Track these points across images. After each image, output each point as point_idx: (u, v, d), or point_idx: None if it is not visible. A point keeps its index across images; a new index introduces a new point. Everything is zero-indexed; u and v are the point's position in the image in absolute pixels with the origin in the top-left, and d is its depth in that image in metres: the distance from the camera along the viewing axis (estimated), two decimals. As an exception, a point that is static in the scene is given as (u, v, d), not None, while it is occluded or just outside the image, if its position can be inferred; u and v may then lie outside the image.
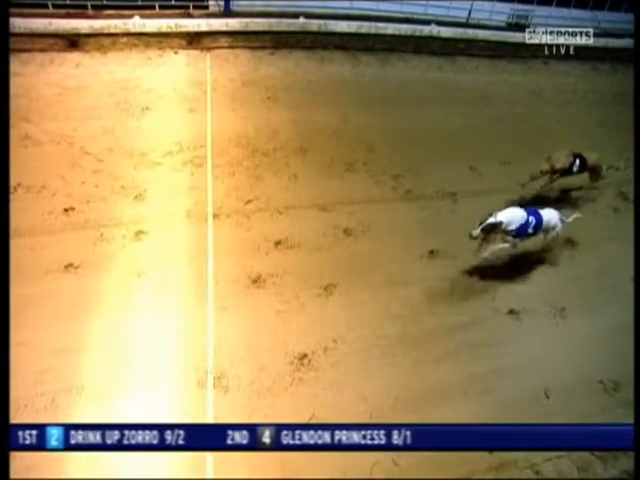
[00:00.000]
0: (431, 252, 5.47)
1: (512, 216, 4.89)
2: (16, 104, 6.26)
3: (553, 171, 6.01)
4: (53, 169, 5.69)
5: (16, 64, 7.05)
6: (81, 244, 4.90)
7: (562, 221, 5.29)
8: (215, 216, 5.45)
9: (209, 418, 3.75)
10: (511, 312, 4.98)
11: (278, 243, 5.26)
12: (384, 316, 4.71)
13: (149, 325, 4.31)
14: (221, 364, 4.10)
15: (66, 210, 5.25)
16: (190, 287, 4.68)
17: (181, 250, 5.02)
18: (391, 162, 6.69)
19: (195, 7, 8.98)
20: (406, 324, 4.67)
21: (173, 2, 8.82)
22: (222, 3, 9.08)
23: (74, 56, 7.75)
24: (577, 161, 6.09)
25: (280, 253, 5.17)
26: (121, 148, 6.17)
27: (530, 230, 5.04)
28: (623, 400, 4.31)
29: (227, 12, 9.08)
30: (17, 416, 3.52)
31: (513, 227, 4.89)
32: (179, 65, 8.01)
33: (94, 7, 8.41)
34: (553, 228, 5.24)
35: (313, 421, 3.80)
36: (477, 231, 4.76)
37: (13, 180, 5.23)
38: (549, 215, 5.22)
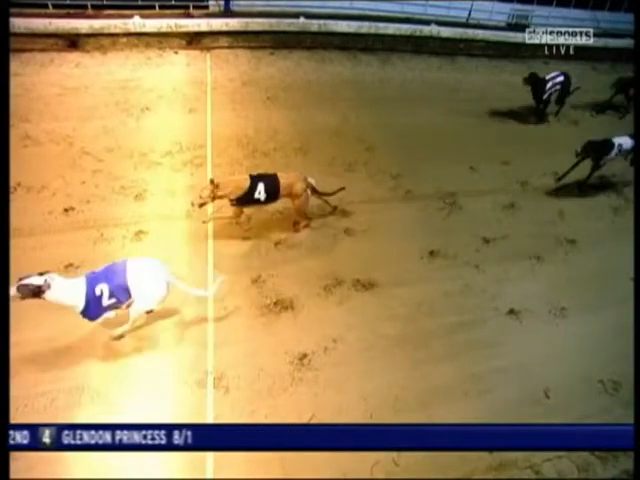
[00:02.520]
0: (431, 252, 5.47)
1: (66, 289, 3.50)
2: (16, 104, 6.26)
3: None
4: (53, 169, 5.70)
5: (16, 64, 7.06)
6: (81, 244, 4.89)
7: (167, 283, 3.80)
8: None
9: (209, 418, 3.75)
10: (511, 312, 4.98)
11: (278, 243, 5.26)
12: (384, 316, 4.71)
13: (149, 325, 4.31)
14: (221, 364, 4.10)
15: (66, 210, 5.25)
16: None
17: (181, 250, 5.02)
18: (391, 162, 6.69)
19: (195, 7, 9.00)
20: (406, 324, 4.67)
21: (173, 2, 8.82)
22: (222, 3, 9.08)
23: (74, 56, 7.76)
24: (260, 185, 4.88)
25: (280, 253, 5.17)
26: (121, 148, 6.18)
27: (108, 303, 3.62)
28: (623, 400, 4.31)
29: (227, 12, 9.09)
30: (17, 416, 3.52)
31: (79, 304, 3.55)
32: (179, 65, 8.02)
33: (94, 7, 8.42)
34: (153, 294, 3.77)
35: (313, 421, 3.82)
36: (12, 290, 3.28)
37: (13, 180, 5.25)
38: (141, 277, 3.64)
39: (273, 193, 4.98)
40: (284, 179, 5.02)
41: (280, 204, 5.36)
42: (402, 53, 9.51)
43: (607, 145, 6.48)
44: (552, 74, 8.04)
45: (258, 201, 4.96)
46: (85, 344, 4.09)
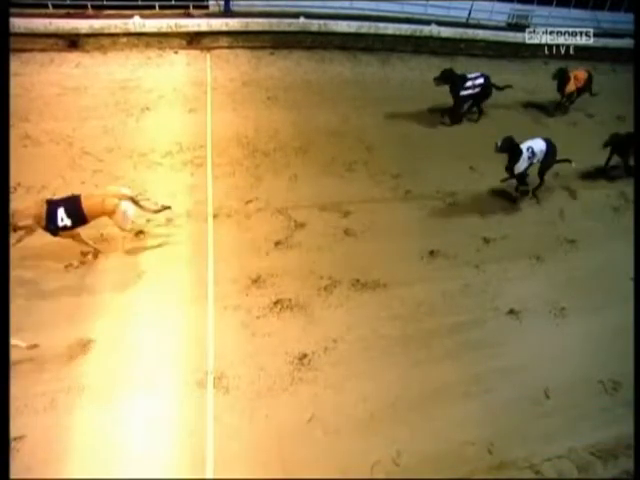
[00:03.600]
0: (431, 252, 5.47)
1: None
2: (16, 104, 6.27)
3: None
4: (53, 169, 5.69)
5: (16, 64, 7.06)
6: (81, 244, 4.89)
7: None
8: (215, 216, 5.45)
9: (209, 418, 3.75)
10: (511, 312, 4.98)
11: (278, 243, 5.26)
12: (384, 316, 4.71)
13: (149, 325, 4.31)
14: (221, 364, 4.10)
15: (66, 210, 5.24)
16: (190, 287, 4.68)
17: (181, 250, 5.02)
18: (391, 162, 6.69)
19: (195, 7, 9.00)
20: (406, 324, 4.67)
21: (173, 2, 8.82)
22: (222, 3, 9.08)
23: (74, 56, 7.76)
24: (60, 211, 4.36)
25: (280, 253, 5.17)
26: (121, 148, 6.18)
27: None
28: (623, 400, 4.32)
29: (227, 12, 9.09)
30: (17, 416, 3.52)
31: None
32: (179, 65, 8.02)
33: (94, 7, 8.42)
34: None
35: (314, 421, 3.82)
36: None
37: (13, 180, 5.25)
38: None
39: (77, 216, 4.43)
40: (89, 199, 4.48)
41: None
42: (402, 53, 9.50)
43: (515, 150, 5.98)
44: (473, 74, 7.66)
45: (66, 228, 4.44)
46: (83, 344, 4.10)
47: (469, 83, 7.59)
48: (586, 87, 8.51)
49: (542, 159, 6.22)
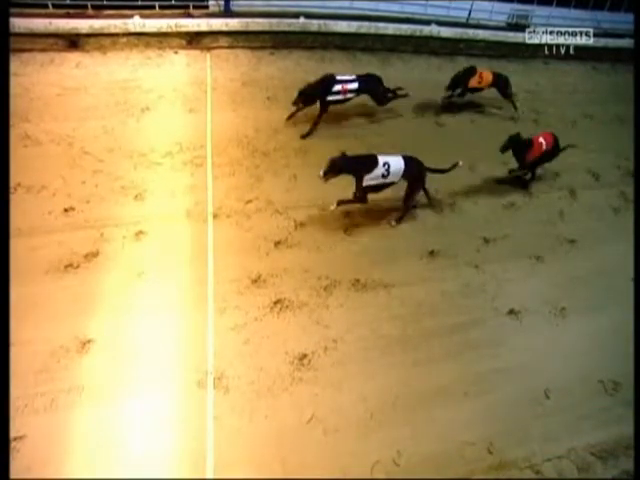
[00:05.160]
0: (431, 252, 5.47)
1: None
2: (16, 104, 6.27)
3: None
4: (53, 169, 5.69)
5: (16, 64, 7.05)
6: (81, 244, 4.90)
7: None
8: (215, 216, 5.45)
9: (209, 418, 3.75)
10: (511, 312, 4.98)
11: (278, 243, 5.26)
12: (384, 316, 4.71)
13: (149, 325, 4.31)
14: (221, 364, 4.10)
15: (66, 210, 5.25)
16: (190, 287, 4.68)
17: (181, 250, 5.02)
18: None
19: (195, 7, 8.98)
20: (406, 324, 4.67)
21: (173, 2, 8.82)
22: (222, 3, 9.07)
23: (74, 56, 7.75)
24: None
25: (280, 253, 5.17)
26: (121, 148, 6.17)
27: None
28: (623, 400, 4.32)
29: (227, 12, 9.08)
30: (17, 416, 3.52)
31: None
32: (179, 65, 8.01)
33: (94, 7, 8.41)
34: None
35: (313, 421, 3.82)
36: None
37: (13, 180, 5.25)
38: None
39: None
40: None
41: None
42: (402, 53, 9.50)
43: (370, 161, 5.23)
44: (346, 76, 6.73)
45: None
46: (83, 344, 4.11)
47: (338, 87, 6.55)
48: (496, 86, 7.98)
49: (405, 178, 5.44)
